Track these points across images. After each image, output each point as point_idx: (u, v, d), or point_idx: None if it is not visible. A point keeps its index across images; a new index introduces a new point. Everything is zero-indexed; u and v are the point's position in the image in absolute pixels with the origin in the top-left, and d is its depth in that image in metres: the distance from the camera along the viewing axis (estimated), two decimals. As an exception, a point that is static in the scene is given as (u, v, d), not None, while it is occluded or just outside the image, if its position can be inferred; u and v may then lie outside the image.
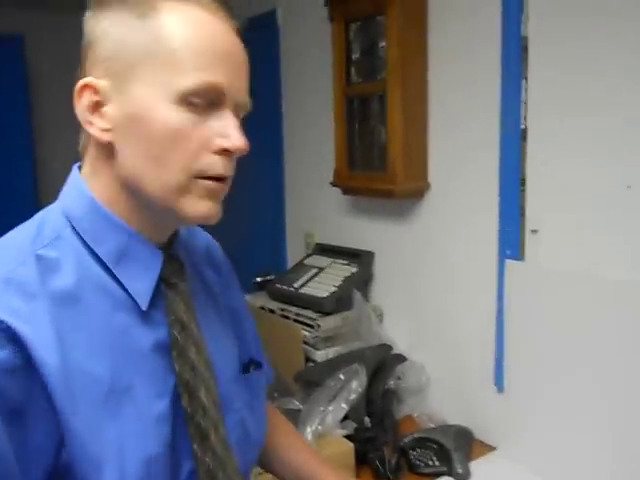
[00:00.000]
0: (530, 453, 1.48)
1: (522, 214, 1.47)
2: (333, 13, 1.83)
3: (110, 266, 0.70)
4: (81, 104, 0.68)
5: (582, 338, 1.34)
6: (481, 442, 1.61)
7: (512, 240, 1.49)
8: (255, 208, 2.59)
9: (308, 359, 1.85)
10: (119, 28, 0.68)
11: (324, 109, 2.02)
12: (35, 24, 2.81)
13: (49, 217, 0.72)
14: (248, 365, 0.88)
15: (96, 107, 0.68)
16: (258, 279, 2.28)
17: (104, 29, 0.68)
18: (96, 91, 0.68)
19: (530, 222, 1.46)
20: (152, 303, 0.72)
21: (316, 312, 1.88)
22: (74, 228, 0.70)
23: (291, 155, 2.36)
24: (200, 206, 0.70)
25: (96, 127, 0.68)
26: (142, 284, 0.71)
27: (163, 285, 0.74)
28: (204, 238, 0.92)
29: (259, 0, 2.35)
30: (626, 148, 1.25)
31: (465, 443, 1.56)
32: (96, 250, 0.70)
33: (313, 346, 1.84)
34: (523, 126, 1.44)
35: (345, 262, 1.99)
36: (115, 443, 0.65)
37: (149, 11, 0.67)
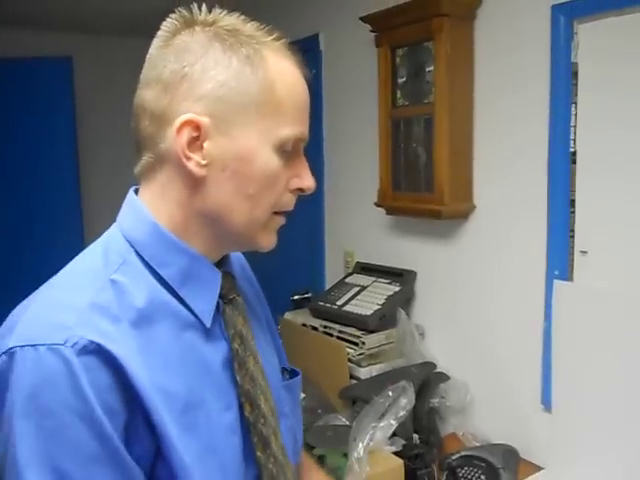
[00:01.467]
0: (579, 473, 1.49)
1: (572, 235, 1.49)
2: (380, 39, 1.88)
3: (175, 288, 0.73)
4: (181, 138, 0.70)
5: (631, 358, 1.36)
6: (528, 462, 1.62)
7: (560, 261, 1.52)
8: (294, 227, 2.63)
9: (352, 376, 1.87)
10: (226, 70, 0.70)
11: (367, 131, 2.07)
12: (83, 46, 2.93)
13: (112, 242, 0.75)
14: (283, 373, 0.93)
15: (193, 142, 0.71)
16: (295, 297, 2.32)
17: (206, 67, 0.70)
18: (197, 127, 0.70)
19: (579, 243, 1.48)
20: (213, 319, 0.76)
21: (360, 330, 1.91)
22: (138, 252, 0.73)
23: (332, 176, 2.40)
24: (272, 238, 0.79)
25: (194, 161, 0.71)
26: (205, 303, 0.75)
27: (221, 301, 0.78)
28: (238, 256, 0.95)
29: (302, 24, 2.42)
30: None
31: (513, 462, 1.57)
32: (161, 273, 0.73)
33: (357, 363, 1.87)
34: (572, 149, 1.47)
35: (387, 281, 2.02)
36: (197, 454, 0.69)
37: (258, 60, 0.71)
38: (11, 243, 2.86)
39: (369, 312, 1.91)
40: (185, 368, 0.71)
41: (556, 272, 1.53)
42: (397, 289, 1.97)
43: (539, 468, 1.60)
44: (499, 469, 1.50)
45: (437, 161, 1.73)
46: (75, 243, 2.57)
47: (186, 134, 0.70)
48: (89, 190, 3.04)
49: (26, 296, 0.72)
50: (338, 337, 1.94)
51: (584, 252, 1.47)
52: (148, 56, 0.75)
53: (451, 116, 1.70)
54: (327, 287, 2.30)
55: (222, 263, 0.81)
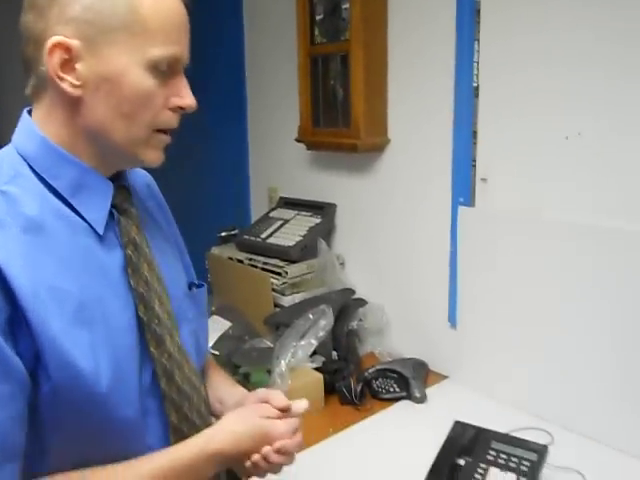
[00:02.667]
0: (478, 380, 1.66)
1: (473, 164, 1.62)
2: (297, -25, 1.91)
3: (67, 197, 0.81)
4: (52, 60, 0.75)
5: (529, 275, 1.51)
6: (435, 372, 1.79)
7: (464, 188, 1.65)
8: (219, 165, 2.67)
9: (276, 305, 1.98)
10: None
11: (287, 68, 2.11)
12: None
13: (4, 157, 0.81)
14: (191, 286, 1.03)
15: (67, 64, 0.76)
16: (223, 233, 2.38)
17: None
18: (68, 50, 0.75)
19: (480, 171, 1.62)
20: (107, 227, 0.84)
21: (283, 260, 2.01)
22: (30, 166, 0.80)
23: (254, 114, 2.44)
24: (156, 154, 0.85)
25: (68, 83, 0.77)
26: (97, 212, 0.83)
27: (115, 211, 0.86)
28: (143, 175, 1.04)
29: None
30: (565, 104, 1.41)
31: (422, 372, 1.73)
32: (53, 184, 0.80)
33: (281, 292, 1.97)
34: (475, 84, 1.58)
35: (309, 214, 2.11)
36: (89, 346, 0.77)
37: None
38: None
39: (291, 243, 2.01)
40: (81, 270, 0.79)
41: (461, 199, 1.67)
42: (318, 221, 2.07)
43: (445, 377, 1.77)
44: (409, 378, 1.66)
45: (353, 97, 1.81)
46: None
47: (57, 56, 0.75)
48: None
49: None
50: (262, 268, 2.03)
51: (484, 180, 1.61)
52: None
53: (366, 53, 1.77)
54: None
55: (118, 178, 0.89)
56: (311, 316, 1.71)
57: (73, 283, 0.77)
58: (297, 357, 1.63)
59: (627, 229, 1.32)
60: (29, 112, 0.84)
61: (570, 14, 1.37)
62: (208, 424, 0.93)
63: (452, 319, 1.75)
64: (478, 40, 1.56)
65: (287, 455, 0.89)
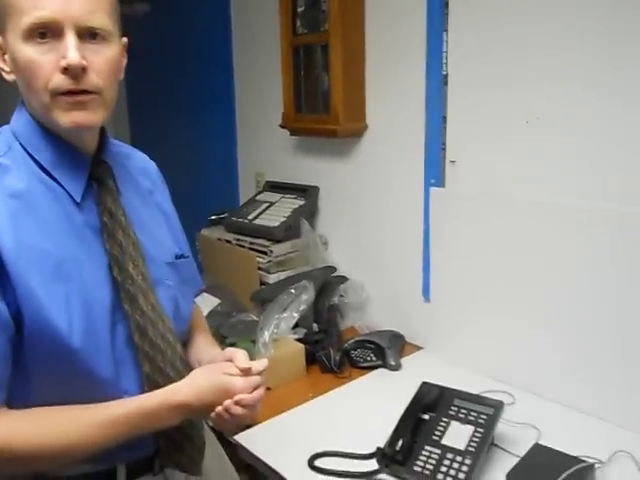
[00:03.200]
0: (450, 350, 1.79)
1: (443, 148, 1.73)
2: (279, -32, 2.01)
3: (48, 169, 0.93)
4: None
5: (495, 251, 1.63)
6: (411, 344, 1.91)
7: (435, 170, 1.76)
8: (208, 151, 2.78)
9: (262, 282, 2.09)
10: None
11: (272, 58, 2.21)
12: None
13: (2, 135, 0.95)
14: (180, 257, 1.12)
15: (1, 56, 0.91)
16: (213, 217, 2.49)
17: None
18: None
19: (449, 154, 1.73)
20: (87, 197, 0.95)
21: (268, 240, 2.12)
22: (20, 142, 0.93)
23: (241, 102, 2.55)
24: (67, 117, 0.89)
25: (4, 72, 0.92)
26: (75, 182, 0.94)
27: (95, 183, 0.97)
28: (140, 157, 1.16)
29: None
30: (525, 90, 1.53)
31: (398, 343, 1.85)
32: (37, 157, 0.92)
33: (266, 270, 2.09)
34: (445, 72, 1.69)
35: (293, 197, 2.23)
36: (64, 299, 0.87)
37: None
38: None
39: (276, 224, 2.12)
40: (60, 233, 0.90)
41: (432, 180, 1.78)
42: (302, 203, 2.18)
43: (420, 348, 1.89)
44: (385, 348, 1.78)
45: (332, 85, 1.92)
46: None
47: None
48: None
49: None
50: (249, 248, 2.15)
51: (453, 162, 1.72)
52: None
53: (344, 43, 1.88)
54: (241, 206, 2.49)
55: (99, 154, 0.99)
56: (293, 291, 1.83)
57: (52, 243, 0.89)
58: (280, 329, 1.75)
59: (581, 206, 1.44)
60: (22, 100, 0.96)
61: (530, 3, 1.48)
62: (183, 377, 1.00)
63: (426, 294, 1.87)
64: (447, 31, 1.67)
65: (247, 408, 0.96)
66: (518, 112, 1.54)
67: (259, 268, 2.09)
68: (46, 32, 0.85)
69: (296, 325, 1.82)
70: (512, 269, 1.59)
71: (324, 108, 2.00)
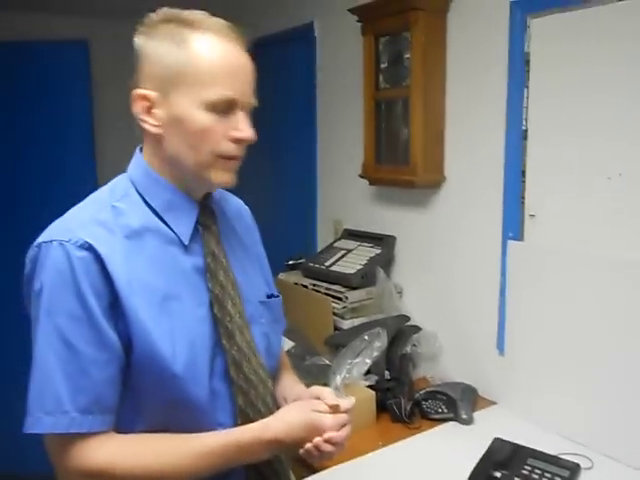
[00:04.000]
0: (525, 406, 1.74)
1: (522, 201, 1.74)
2: (365, 28, 2.11)
3: (161, 214, 1.01)
4: (136, 108, 0.99)
5: (574, 307, 1.60)
6: (484, 398, 1.88)
7: (513, 223, 1.76)
8: (291, 198, 2.89)
9: (336, 328, 2.13)
10: (160, 54, 0.97)
11: (353, 111, 2.30)
12: (99, 30, 3.09)
13: (119, 182, 1.05)
14: (270, 296, 1.19)
15: (148, 110, 0.99)
16: (290, 262, 2.57)
17: (148, 53, 0.98)
18: (147, 99, 0.98)
19: (529, 208, 1.73)
20: (193, 240, 1.03)
21: (344, 287, 2.16)
22: (136, 189, 1.02)
23: (323, 152, 2.64)
24: (222, 176, 1.01)
25: (149, 124, 0.99)
26: (184, 226, 1.03)
27: (200, 227, 1.05)
28: (235, 202, 1.24)
29: (298, 13, 2.65)
30: (606, 147, 1.52)
31: (470, 397, 1.83)
32: (151, 203, 1.02)
33: (341, 316, 2.12)
34: (524, 127, 1.71)
35: (370, 245, 2.27)
36: (169, 332, 0.95)
37: (180, 43, 0.96)
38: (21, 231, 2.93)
39: (352, 271, 2.16)
40: (167, 271, 0.99)
41: (510, 234, 1.78)
42: (378, 251, 2.22)
43: (494, 403, 1.86)
44: (457, 400, 1.76)
45: (412, 137, 1.97)
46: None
47: (139, 104, 0.99)
48: (105, 174, 3.08)
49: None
50: (325, 294, 2.20)
51: (532, 215, 1.72)
52: None
53: (425, 98, 1.94)
54: (318, 252, 2.55)
55: (205, 200, 1.08)
56: (366, 337, 1.85)
57: (160, 280, 0.97)
58: (352, 374, 1.77)
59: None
60: (141, 149, 1.07)
61: (609, 61, 1.49)
62: (272, 413, 1.05)
63: (501, 347, 1.84)
64: (527, 87, 1.69)
65: (336, 445, 1.02)
66: (599, 168, 1.53)
67: (334, 313, 2.13)
68: (222, 107, 0.97)
69: (368, 372, 1.83)
70: (591, 326, 1.55)
71: (403, 159, 2.05)
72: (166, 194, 1.02)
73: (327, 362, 1.93)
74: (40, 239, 0.95)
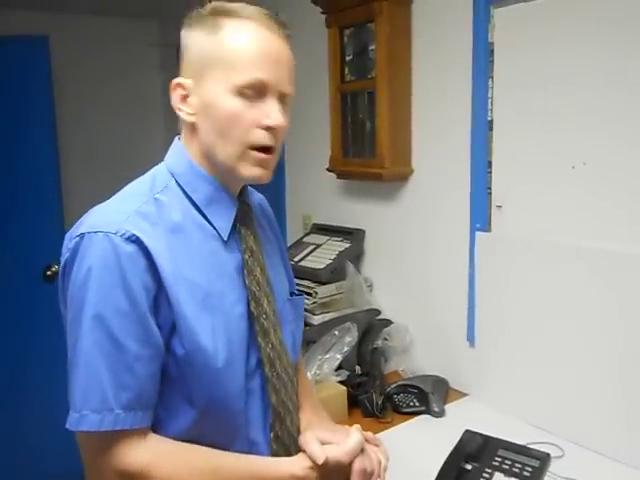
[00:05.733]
0: (496, 397, 1.75)
1: (489, 192, 1.73)
2: (329, 20, 2.09)
3: (202, 208, 0.99)
4: (174, 97, 0.98)
5: (542, 297, 1.60)
6: (456, 390, 1.88)
7: (481, 214, 1.76)
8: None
9: (307, 324, 2.10)
10: (197, 42, 0.97)
11: (320, 104, 2.28)
12: (59, 25, 3.00)
13: (159, 173, 1.02)
14: (292, 294, 1.19)
15: (184, 98, 0.97)
16: (260, 258, 2.53)
17: (188, 43, 0.98)
18: (183, 87, 0.97)
19: (495, 199, 1.73)
20: (231, 235, 1.01)
21: (314, 282, 2.14)
22: (177, 181, 1.00)
23: (291, 146, 2.61)
24: (254, 170, 0.98)
25: (184, 112, 0.98)
26: (224, 221, 1.01)
27: (238, 223, 1.03)
28: (258, 197, 1.22)
29: (262, 5, 2.60)
30: (571, 136, 1.52)
31: (442, 389, 1.83)
32: (192, 197, 0.99)
33: (311, 312, 2.10)
34: (489, 118, 1.71)
35: (339, 239, 2.25)
36: (211, 327, 0.94)
37: (215, 29, 0.95)
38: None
39: (322, 266, 2.14)
40: (208, 267, 0.97)
41: (478, 225, 1.78)
42: (348, 246, 2.20)
43: (465, 395, 1.86)
44: (428, 394, 1.76)
45: (379, 130, 1.96)
46: (54, 228, 2.62)
47: (177, 93, 0.98)
48: (68, 173, 3.00)
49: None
50: (295, 289, 2.17)
51: (499, 206, 1.72)
52: None
53: (390, 90, 1.92)
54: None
55: (242, 195, 1.07)
56: (336, 332, 1.83)
57: (202, 277, 0.95)
58: (323, 370, 1.75)
59: (630, 252, 1.40)
60: (179, 138, 1.04)
61: (572, 50, 1.49)
62: (297, 411, 1.09)
63: (471, 339, 1.84)
64: (492, 78, 1.69)
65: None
66: (564, 157, 1.53)
67: (304, 309, 2.10)
68: (254, 92, 0.94)
69: (339, 367, 1.82)
70: (560, 316, 1.56)
71: (370, 152, 2.04)
72: (208, 187, 1.00)
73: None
74: (80, 229, 0.91)
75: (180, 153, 1.02)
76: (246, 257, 1.02)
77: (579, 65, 1.49)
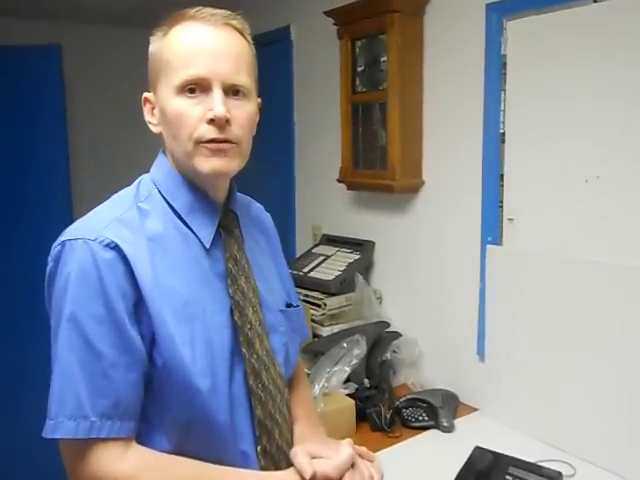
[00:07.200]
0: (506, 412, 1.72)
1: (501, 205, 1.72)
2: (341, 31, 2.09)
3: (183, 216, 0.99)
4: (145, 111, 1.02)
5: (554, 312, 1.58)
6: (466, 405, 1.86)
7: (492, 228, 1.75)
8: (268, 204, 2.83)
9: (315, 335, 2.09)
10: (150, 53, 0.99)
11: (331, 115, 2.28)
12: (73, 34, 3.04)
13: (144, 182, 1.03)
14: (289, 305, 1.16)
15: (151, 111, 1.01)
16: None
17: (149, 56, 1.00)
18: (149, 101, 1.01)
19: (507, 212, 1.71)
20: (214, 243, 1.00)
21: (322, 293, 2.13)
22: (159, 190, 1.00)
23: (301, 156, 2.62)
24: (207, 163, 0.95)
25: (152, 124, 1.01)
26: (206, 229, 1.00)
27: (222, 231, 1.02)
28: (258, 207, 1.24)
29: (275, 16, 2.62)
30: (584, 151, 1.50)
31: (451, 404, 1.80)
32: (173, 205, 0.99)
33: (320, 323, 2.09)
34: (502, 131, 1.69)
35: (349, 250, 2.24)
36: (189, 337, 0.92)
37: (162, 37, 0.97)
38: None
39: (331, 277, 2.13)
40: (189, 275, 0.96)
41: (489, 238, 1.76)
42: (357, 257, 2.19)
43: (475, 409, 1.83)
44: (438, 408, 1.73)
45: (390, 141, 1.95)
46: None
47: (147, 107, 1.02)
48: (79, 180, 3.04)
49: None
50: (304, 300, 2.15)
51: (511, 219, 1.70)
52: None
53: (402, 101, 1.91)
54: (297, 258, 2.52)
55: (229, 204, 1.06)
56: (345, 345, 1.81)
57: (182, 285, 0.94)
58: (331, 383, 1.73)
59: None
60: (164, 150, 1.05)
61: (586, 63, 1.48)
62: (288, 424, 1.06)
63: (481, 352, 1.82)
64: (504, 90, 1.68)
65: None
66: (577, 171, 1.52)
67: (312, 320, 2.10)
68: (196, 88, 0.94)
69: (347, 380, 1.80)
70: (572, 331, 1.53)
71: (381, 164, 2.03)
72: (188, 195, 1.00)
73: (306, 371, 1.89)
74: (64, 237, 0.92)
75: (161, 162, 1.03)
76: (229, 266, 1.01)
77: (592, 78, 1.47)
